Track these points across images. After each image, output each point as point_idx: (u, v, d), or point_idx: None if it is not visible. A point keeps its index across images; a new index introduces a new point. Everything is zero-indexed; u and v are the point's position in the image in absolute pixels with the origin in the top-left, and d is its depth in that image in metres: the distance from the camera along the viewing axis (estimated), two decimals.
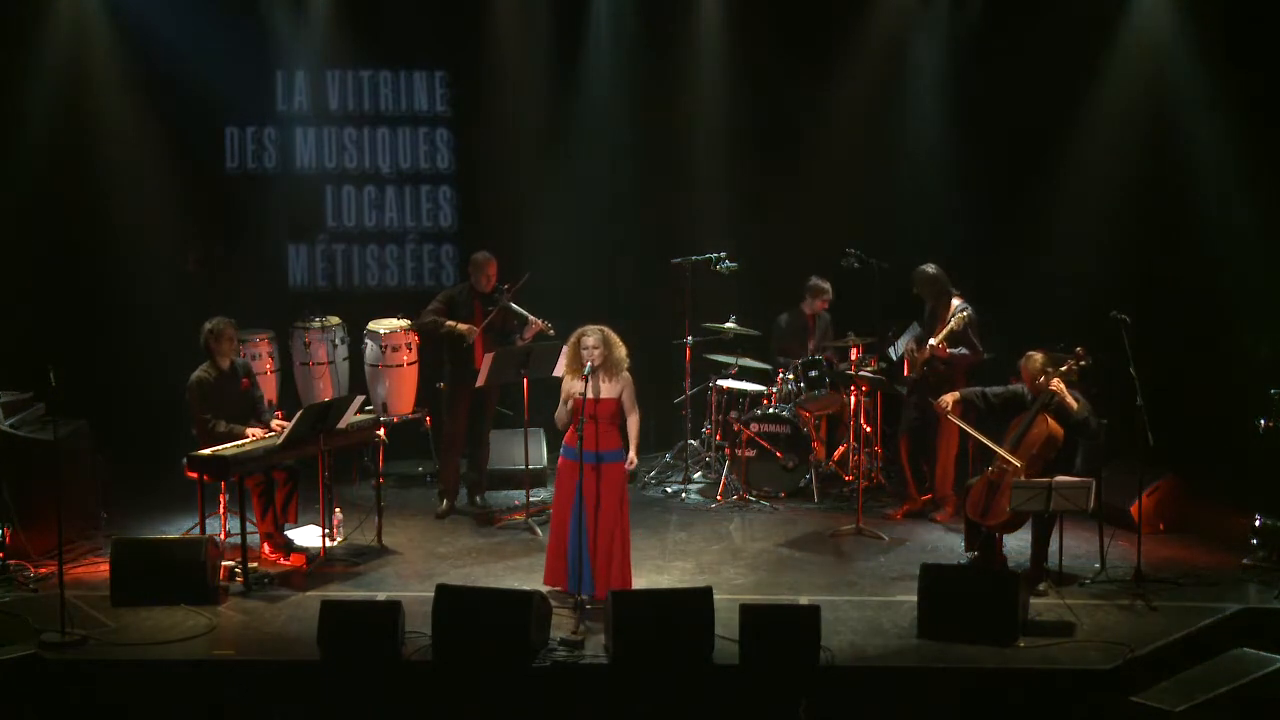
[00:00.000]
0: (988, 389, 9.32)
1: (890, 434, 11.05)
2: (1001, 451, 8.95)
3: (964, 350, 10.01)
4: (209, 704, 7.56)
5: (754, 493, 10.85)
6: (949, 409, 9.19)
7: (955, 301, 10.13)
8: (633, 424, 8.61)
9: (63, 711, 7.62)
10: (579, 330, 8.55)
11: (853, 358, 10.92)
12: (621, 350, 8.54)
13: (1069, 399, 8.96)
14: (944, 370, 10.08)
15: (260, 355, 11.20)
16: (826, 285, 11.27)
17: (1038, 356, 9.09)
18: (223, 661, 7.83)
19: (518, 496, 10.57)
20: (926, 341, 10.12)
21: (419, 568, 9.35)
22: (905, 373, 10.30)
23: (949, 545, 9.74)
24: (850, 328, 11.13)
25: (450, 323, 10.32)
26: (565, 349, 8.60)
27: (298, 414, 9.22)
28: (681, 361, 11.16)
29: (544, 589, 8.53)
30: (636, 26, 11.99)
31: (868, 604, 8.64)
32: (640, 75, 12.02)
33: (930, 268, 10.20)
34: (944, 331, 9.94)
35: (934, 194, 11.87)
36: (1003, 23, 11.55)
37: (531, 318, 10.38)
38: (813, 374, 10.99)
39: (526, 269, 10.85)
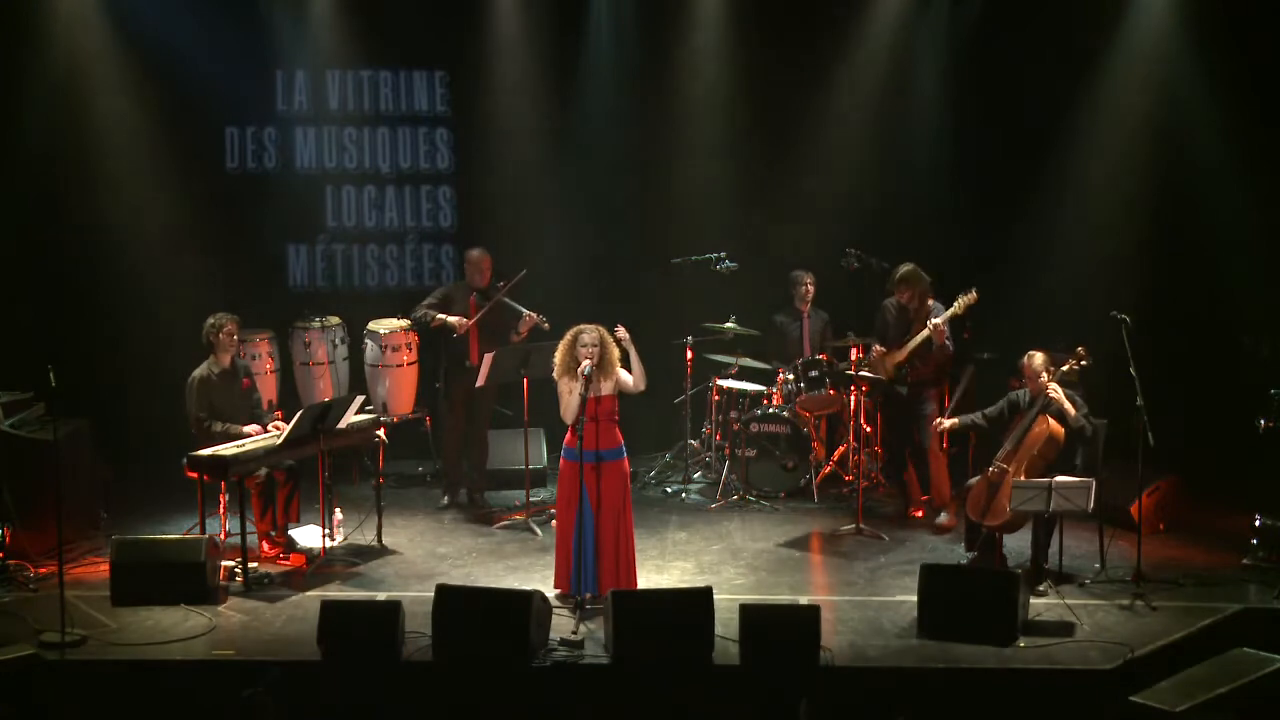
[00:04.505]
0: (985, 411, 9.33)
1: (891, 436, 11.04)
2: (1007, 455, 8.95)
3: (950, 343, 9.93)
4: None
5: (754, 493, 10.85)
6: (944, 429, 9.22)
7: (931, 303, 10.08)
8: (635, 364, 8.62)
9: (63, 711, 7.61)
10: (574, 330, 8.56)
11: (853, 358, 10.92)
12: (615, 349, 8.56)
13: (1066, 403, 8.96)
14: (923, 370, 10.01)
15: (260, 355, 11.20)
16: (801, 273, 11.28)
17: (1039, 355, 9.10)
18: (222, 661, 7.82)
19: (518, 496, 10.57)
20: (895, 342, 10.06)
21: (419, 568, 9.35)
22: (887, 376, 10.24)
23: (949, 545, 9.75)
24: (850, 328, 11.13)
25: (440, 315, 10.35)
26: (560, 348, 8.60)
27: (298, 414, 9.23)
28: (681, 361, 11.16)
29: (551, 592, 8.52)
30: (636, 26, 11.99)
31: (868, 604, 8.64)
32: (640, 75, 12.02)
33: (911, 264, 10.08)
34: (943, 314, 9.84)
35: (934, 194, 11.86)
36: (1003, 22, 11.54)
37: (526, 311, 10.39)
38: (813, 374, 10.99)
39: (526, 268, 10.85)
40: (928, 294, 10.06)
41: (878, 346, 10.20)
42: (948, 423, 9.30)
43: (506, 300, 10.43)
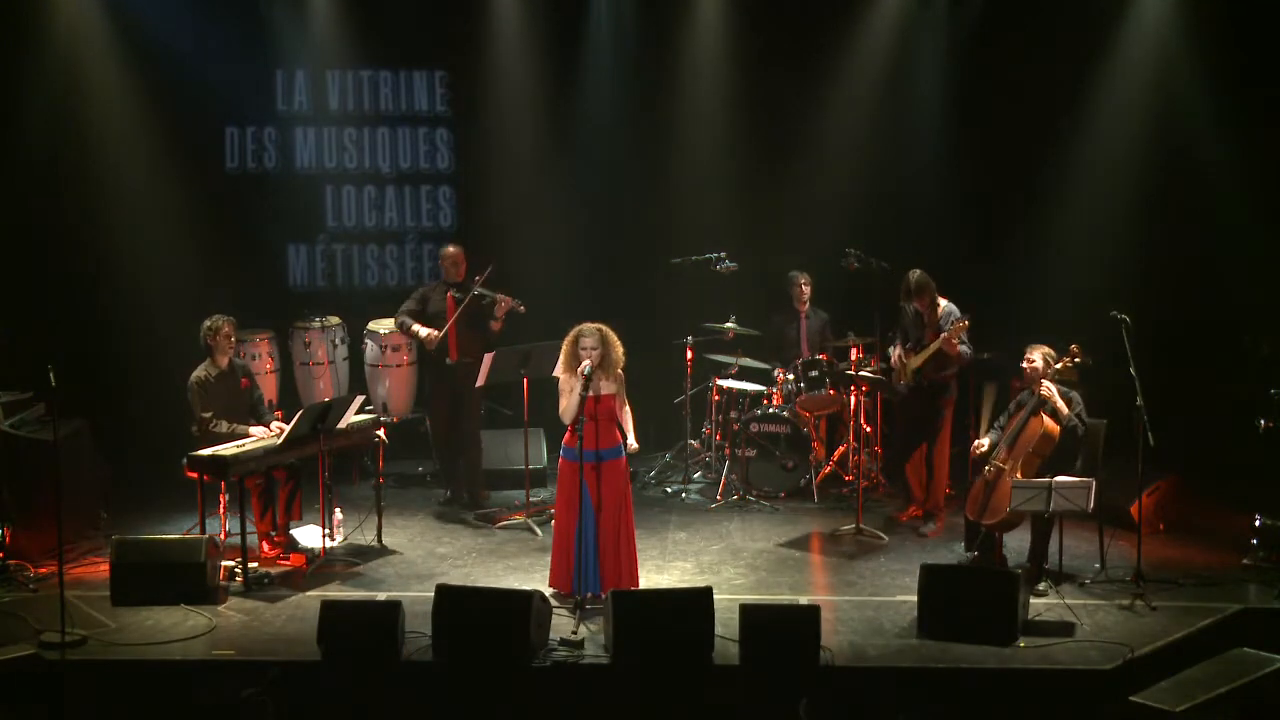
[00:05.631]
0: (998, 420, 9.29)
1: (890, 435, 11.04)
2: (1003, 454, 8.94)
3: (967, 349, 9.95)
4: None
5: (754, 493, 10.85)
6: (984, 450, 9.10)
7: (943, 303, 10.07)
8: (626, 416, 8.65)
9: (63, 711, 7.61)
10: (577, 329, 8.56)
11: (853, 358, 10.91)
12: (619, 349, 8.56)
13: (1059, 402, 8.96)
14: (940, 377, 10.01)
15: (260, 355, 11.22)
16: (797, 274, 11.28)
17: (1042, 347, 9.07)
18: (222, 661, 7.82)
19: (518, 496, 10.57)
20: (914, 347, 10.05)
21: (419, 568, 9.35)
22: (897, 380, 10.21)
23: (949, 545, 9.74)
24: (850, 328, 11.13)
25: (415, 327, 10.43)
26: (563, 347, 8.60)
27: (298, 414, 9.23)
28: (681, 361, 11.16)
29: (547, 591, 8.53)
30: (636, 26, 12.00)
31: (868, 604, 8.64)
32: (640, 75, 12.03)
33: (919, 271, 10.07)
34: (958, 330, 9.80)
35: (934, 194, 11.86)
36: (1003, 23, 11.55)
37: (499, 296, 10.36)
38: (813, 374, 10.99)
39: (526, 268, 10.87)
40: (937, 297, 10.05)
41: (897, 352, 10.17)
42: (986, 442, 9.20)
43: (480, 290, 10.41)
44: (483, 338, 10.34)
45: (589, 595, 8.41)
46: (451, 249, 10.66)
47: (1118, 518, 9.47)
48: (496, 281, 10.46)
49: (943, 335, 9.83)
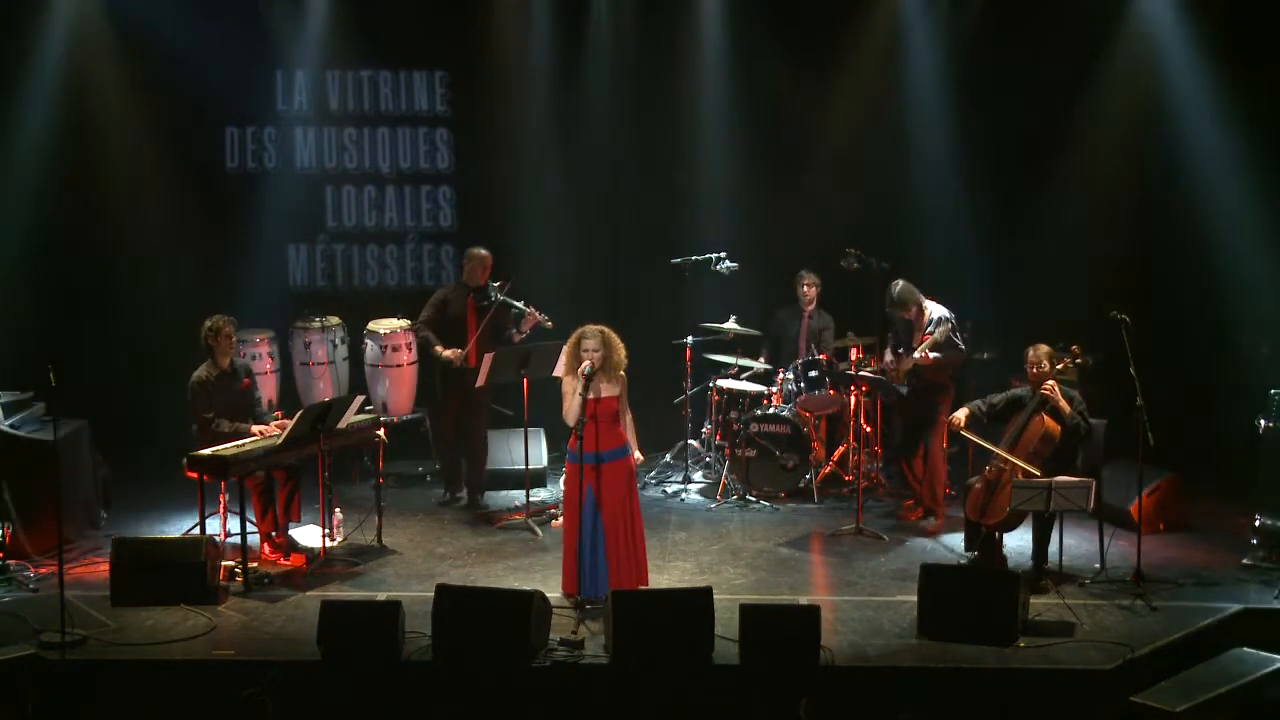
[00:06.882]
0: (989, 398, 9.30)
1: (890, 434, 11.05)
2: (1005, 454, 8.94)
3: (957, 343, 9.94)
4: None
5: (754, 493, 10.85)
6: (962, 425, 9.12)
7: (929, 305, 10.07)
8: (629, 424, 8.64)
9: (63, 711, 7.61)
10: (579, 330, 8.54)
11: (853, 358, 10.92)
12: (621, 352, 8.53)
13: (1062, 402, 8.96)
14: (932, 377, 10.03)
15: (260, 355, 11.20)
16: (803, 273, 11.29)
17: (1045, 348, 9.09)
18: (222, 661, 7.82)
19: (518, 496, 10.57)
20: (906, 351, 10.07)
21: (419, 568, 9.35)
22: (894, 381, 10.23)
23: (949, 545, 9.75)
24: (850, 328, 11.13)
25: (439, 349, 10.39)
26: (565, 349, 8.60)
27: (298, 414, 9.22)
28: (681, 361, 11.16)
29: (555, 594, 8.50)
30: (636, 26, 12.00)
31: (868, 604, 8.64)
32: (640, 75, 12.03)
33: (902, 282, 10.09)
34: (927, 342, 9.86)
35: (934, 193, 11.86)
36: (1003, 23, 11.55)
37: (529, 310, 10.38)
38: (813, 374, 10.99)
39: (526, 268, 10.86)
40: (922, 302, 10.06)
41: (889, 355, 10.19)
42: (961, 415, 9.23)
43: (507, 300, 10.42)
44: (502, 345, 10.32)
45: (600, 598, 8.37)
46: (481, 251, 10.59)
47: (1118, 518, 9.47)
48: (514, 289, 10.47)
49: (911, 357, 9.83)
